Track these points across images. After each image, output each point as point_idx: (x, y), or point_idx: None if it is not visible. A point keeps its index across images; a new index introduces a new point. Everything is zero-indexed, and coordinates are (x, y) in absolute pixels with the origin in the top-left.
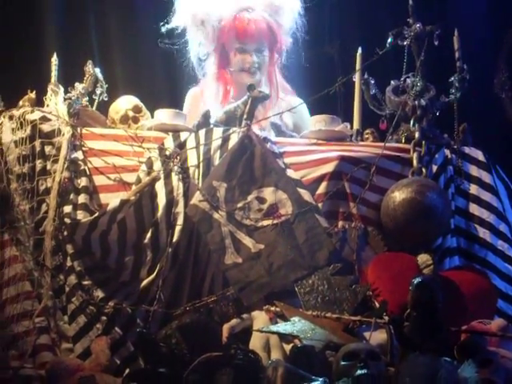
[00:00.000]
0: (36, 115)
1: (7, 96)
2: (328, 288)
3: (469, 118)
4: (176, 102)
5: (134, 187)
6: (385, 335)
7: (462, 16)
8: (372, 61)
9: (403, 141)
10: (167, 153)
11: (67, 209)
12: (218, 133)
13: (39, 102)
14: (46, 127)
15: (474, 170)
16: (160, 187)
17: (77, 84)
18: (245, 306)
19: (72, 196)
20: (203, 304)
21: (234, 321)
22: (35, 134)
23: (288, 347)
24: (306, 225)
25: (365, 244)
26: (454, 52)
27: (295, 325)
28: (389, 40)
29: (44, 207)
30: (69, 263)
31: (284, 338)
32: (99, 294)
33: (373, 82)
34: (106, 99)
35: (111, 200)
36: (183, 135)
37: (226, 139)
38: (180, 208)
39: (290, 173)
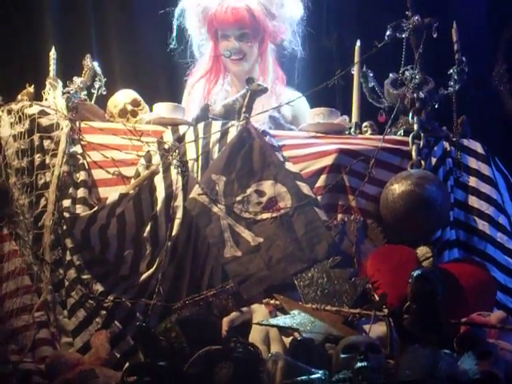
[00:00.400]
0: (35, 109)
1: (6, 90)
2: (327, 281)
3: (467, 111)
4: (175, 96)
5: (132, 181)
6: (384, 328)
7: (460, 8)
8: (371, 53)
9: (402, 133)
10: (166, 146)
11: (66, 203)
12: (216, 126)
13: (38, 96)
14: (44, 121)
15: (472, 163)
16: (159, 181)
17: (75, 78)
18: (244, 299)
19: (71, 190)
20: (202, 297)
21: (233, 314)
22: (34, 128)
23: (288, 340)
24: (305, 218)
25: (364, 237)
26: (452, 44)
27: (295, 318)
28: (387, 32)
29: (43, 201)
30: (68, 257)
31: (284, 331)
32: (99, 288)
33: (371, 74)
34: (104, 93)
35: (110, 194)
36: (182, 129)
37: (224, 133)
38: (179, 201)
39: (289, 166)
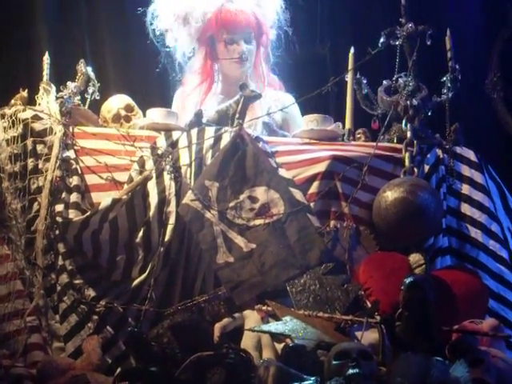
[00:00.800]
0: (28, 114)
1: None
2: (320, 287)
3: (461, 118)
4: (168, 101)
5: (125, 186)
6: (376, 335)
7: (454, 16)
8: (364, 60)
9: (395, 140)
10: (159, 152)
11: (59, 208)
12: (210, 132)
13: (31, 101)
14: (37, 126)
15: (465, 170)
16: (152, 186)
17: (69, 83)
18: (236, 305)
19: (64, 195)
20: (195, 303)
21: (225, 320)
22: (27, 133)
23: (280, 346)
24: (298, 224)
25: (357, 243)
26: (445, 52)
27: (287, 324)
28: (381, 40)
29: (36, 206)
30: (60, 262)
31: (276, 337)
32: (91, 293)
33: (365, 81)
34: (98, 98)
35: (103, 199)
36: (175, 134)
37: (218, 138)
38: (172, 207)
39: (282, 172)
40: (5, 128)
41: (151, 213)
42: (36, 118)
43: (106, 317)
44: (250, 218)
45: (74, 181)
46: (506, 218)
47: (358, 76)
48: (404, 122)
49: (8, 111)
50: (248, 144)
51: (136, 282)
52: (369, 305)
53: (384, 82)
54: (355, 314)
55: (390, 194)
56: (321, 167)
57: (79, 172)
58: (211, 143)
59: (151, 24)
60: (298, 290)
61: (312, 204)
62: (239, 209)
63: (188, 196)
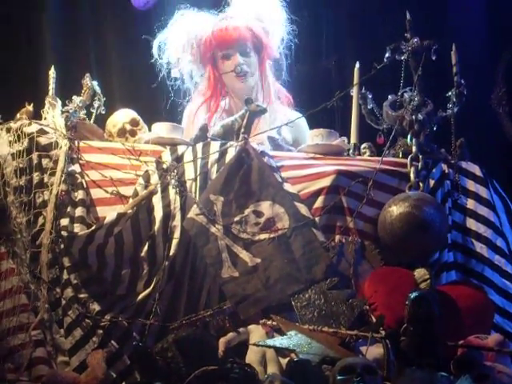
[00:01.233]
0: (33, 128)
1: (5, 109)
2: (325, 302)
3: (466, 133)
4: (173, 116)
5: (131, 200)
6: (381, 350)
7: (459, 31)
8: (369, 75)
9: (400, 155)
10: (164, 166)
11: (64, 222)
12: (215, 146)
13: (37, 115)
14: (43, 140)
15: (471, 185)
16: (157, 201)
17: (74, 97)
18: (241, 319)
19: (69, 209)
20: (199, 318)
21: (230, 334)
22: (32, 147)
23: (284, 361)
24: (303, 239)
25: (362, 258)
26: (451, 67)
27: (292, 339)
28: (386, 54)
29: (41, 220)
30: (65, 276)
31: (280, 352)
32: (95, 307)
33: (370, 96)
34: (103, 112)
35: (108, 213)
36: (180, 149)
37: (223, 153)
38: (177, 221)
39: (287, 187)
40: (10, 142)
41: (156, 227)
42: (41, 132)
43: (110, 331)
44: (254, 233)
45: (80, 195)
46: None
47: (363, 91)
48: (409, 136)
49: (14, 125)
50: (253, 158)
51: (141, 296)
52: (374, 320)
53: (389, 96)
54: (360, 329)
55: (396, 209)
56: (326, 182)
57: (84, 186)
58: (216, 157)
59: (157, 54)
60: (302, 305)
61: (317, 218)
62: (244, 223)
63: (193, 210)
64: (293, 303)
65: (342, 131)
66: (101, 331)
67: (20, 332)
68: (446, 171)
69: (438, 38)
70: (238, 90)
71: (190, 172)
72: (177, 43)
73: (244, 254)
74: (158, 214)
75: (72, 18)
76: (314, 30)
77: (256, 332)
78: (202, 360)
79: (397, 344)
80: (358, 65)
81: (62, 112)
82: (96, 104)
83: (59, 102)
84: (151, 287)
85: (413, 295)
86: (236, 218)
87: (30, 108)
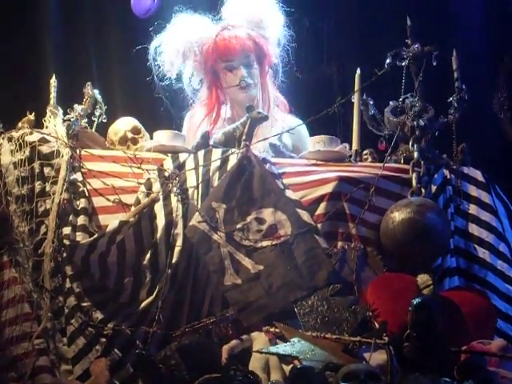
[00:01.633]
0: (35, 137)
1: (6, 118)
2: (327, 309)
3: (467, 139)
4: (175, 124)
5: (133, 208)
6: (385, 356)
7: (460, 36)
8: (371, 81)
9: (402, 161)
10: (166, 174)
11: (66, 230)
12: (216, 154)
13: (38, 124)
14: (45, 149)
15: (473, 190)
16: (159, 208)
17: (76, 106)
18: (244, 326)
19: (71, 217)
20: (202, 325)
21: (233, 342)
22: (34, 156)
23: (287, 368)
24: (306, 245)
25: (364, 264)
26: (452, 72)
27: (295, 346)
28: (387, 61)
29: (43, 229)
30: (68, 285)
31: (283, 358)
32: (98, 315)
33: (371, 102)
34: (104, 121)
35: (110, 221)
36: (182, 156)
37: (224, 160)
38: (179, 229)
39: (289, 193)
40: (12, 151)
41: (158, 235)
42: (43, 140)
43: (113, 339)
44: (257, 240)
45: (82, 203)
46: None
47: (364, 97)
48: (411, 142)
49: (15, 134)
50: (255, 166)
51: (144, 304)
52: (377, 326)
53: (390, 102)
54: (363, 335)
55: (398, 215)
56: (328, 188)
57: (86, 194)
58: (218, 165)
59: (154, 61)
60: (305, 312)
61: (319, 225)
62: (246, 230)
63: (195, 218)
64: (296, 310)
65: (343, 137)
66: (104, 339)
67: (23, 341)
68: (448, 177)
69: (438, 43)
70: (240, 100)
71: (191, 179)
72: (176, 48)
73: (246, 261)
74: (161, 221)
75: (73, 27)
76: (315, 36)
77: (259, 339)
78: (205, 367)
79: (400, 350)
80: (359, 71)
81: (64, 121)
82: (97, 112)
83: (60, 111)
84: (154, 295)
85: (416, 301)
86: (238, 225)
87: (32, 117)
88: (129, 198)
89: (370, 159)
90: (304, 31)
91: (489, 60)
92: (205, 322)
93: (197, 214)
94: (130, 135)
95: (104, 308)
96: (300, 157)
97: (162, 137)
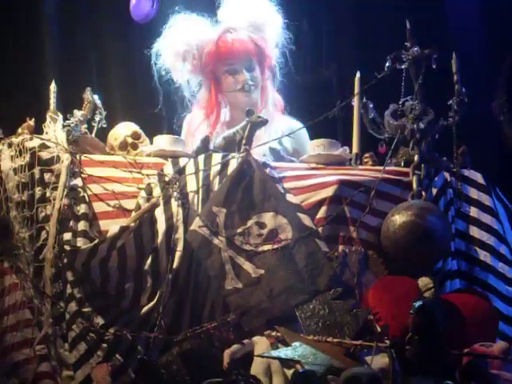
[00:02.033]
0: (35, 142)
1: (6, 123)
2: (329, 312)
3: (468, 141)
4: (175, 129)
5: (133, 214)
6: (386, 359)
7: (460, 38)
8: (370, 84)
9: (402, 164)
10: (166, 179)
11: (67, 236)
12: (217, 158)
13: (38, 130)
14: (45, 154)
15: (473, 193)
16: (159, 213)
17: (75, 111)
18: (245, 331)
19: (71, 223)
20: (204, 330)
21: (234, 346)
22: (34, 162)
23: (289, 372)
24: (306, 249)
25: (365, 268)
26: (452, 75)
27: (296, 350)
28: (387, 64)
29: (43, 234)
30: (69, 290)
31: (285, 363)
32: (99, 321)
33: (371, 105)
34: (104, 126)
35: (111, 227)
36: (182, 161)
37: (225, 165)
38: (180, 234)
39: (290, 197)
40: (12, 157)
41: (159, 240)
42: (43, 146)
43: (115, 345)
44: (258, 244)
45: (82, 209)
46: None
47: (364, 100)
48: (411, 145)
49: (15, 140)
50: (255, 170)
51: (145, 309)
52: (378, 329)
53: (390, 105)
54: (365, 339)
55: (398, 218)
56: (328, 192)
57: (87, 200)
58: (218, 169)
59: (155, 64)
60: (307, 316)
61: (320, 229)
62: (247, 235)
63: (196, 222)
64: (297, 314)
65: (343, 141)
66: (105, 345)
67: (24, 347)
68: (449, 179)
69: (438, 46)
70: (241, 103)
71: (192, 184)
72: (175, 50)
73: (247, 266)
74: (161, 226)
75: (72, 33)
76: (314, 39)
77: (260, 343)
78: (206, 372)
79: (402, 353)
80: (358, 74)
81: (64, 126)
82: (97, 118)
83: (60, 117)
84: (155, 300)
85: (417, 304)
86: (239, 230)
87: (32, 123)
88: (129, 203)
89: (370, 162)
90: (303, 34)
91: (489, 62)
92: (206, 327)
93: (197, 218)
94: (130, 140)
95: (105, 313)
96: (300, 160)
97: (162, 142)
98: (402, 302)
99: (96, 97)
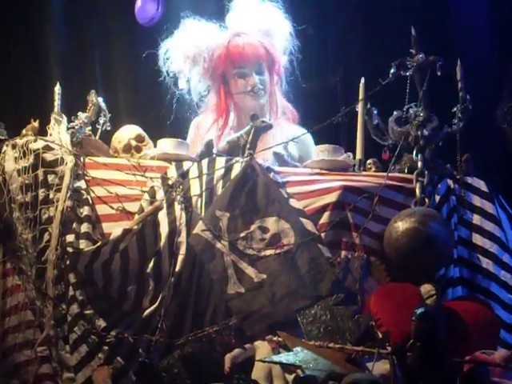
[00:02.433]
0: (39, 144)
1: (10, 125)
2: (331, 318)
3: (471, 149)
4: (179, 132)
5: (136, 216)
6: (388, 366)
7: (464, 46)
8: (375, 91)
9: (406, 171)
10: (170, 182)
11: (70, 238)
12: (220, 162)
13: (42, 131)
14: (48, 156)
15: (476, 200)
16: (163, 216)
17: (80, 113)
18: (247, 335)
19: (74, 225)
20: (205, 334)
21: (236, 351)
22: (38, 163)
23: (290, 377)
24: (309, 254)
25: (367, 274)
26: (456, 82)
27: (298, 355)
28: (391, 70)
29: (46, 236)
30: (71, 292)
31: (286, 368)
32: (101, 323)
33: (375, 112)
34: (108, 128)
35: (114, 229)
36: (186, 164)
37: (228, 169)
38: (182, 237)
39: (293, 202)
40: (16, 158)
41: (162, 243)
42: (47, 148)
43: (116, 347)
44: (260, 249)
45: (85, 211)
46: None
47: (368, 106)
48: (415, 152)
49: (19, 141)
50: (259, 174)
51: (146, 312)
52: (380, 335)
53: (394, 112)
54: (366, 345)
55: (401, 225)
56: (332, 197)
57: (90, 202)
58: (222, 173)
59: (164, 65)
60: (308, 321)
61: (323, 234)
62: (250, 239)
63: (199, 226)
64: (299, 319)
65: (347, 147)
66: (106, 347)
67: (26, 348)
68: (452, 187)
69: (443, 53)
70: (249, 107)
71: (195, 188)
72: (185, 54)
73: (250, 270)
74: (164, 230)
75: (77, 34)
76: (319, 45)
77: (262, 348)
78: (207, 376)
79: (403, 360)
80: (363, 80)
81: (68, 128)
82: (101, 120)
83: (65, 119)
84: (157, 303)
85: (419, 311)
86: (242, 234)
87: (36, 124)
88: (132, 206)
89: (373, 169)
90: (309, 40)
91: (493, 70)
92: (208, 331)
93: (200, 222)
94: (133, 143)
95: (107, 316)
96: (304, 166)
97: (166, 145)
98: (404, 308)
99: (100, 99)
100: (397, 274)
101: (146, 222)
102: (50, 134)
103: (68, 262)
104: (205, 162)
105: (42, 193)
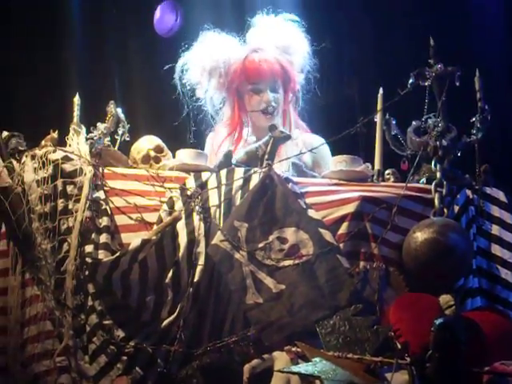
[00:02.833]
0: (58, 155)
1: (30, 136)
2: (349, 328)
3: (490, 159)
4: (197, 143)
5: (155, 227)
6: (406, 376)
7: (483, 56)
8: (393, 101)
9: (425, 181)
10: (189, 193)
11: (88, 248)
12: (239, 173)
13: (61, 142)
14: (67, 167)
15: (495, 211)
16: (181, 227)
17: (99, 124)
18: (266, 346)
19: (93, 235)
20: (224, 344)
21: (254, 361)
22: (57, 174)
23: None
24: (327, 265)
25: (386, 284)
26: (475, 92)
27: (316, 365)
28: (410, 80)
29: (65, 246)
30: (90, 303)
31: (305, 378)
32: (120, 333)
33: (394, 122)
34: (127, 139)
35: (132, 240)
36: (205, 175)
37: (247, 179)
38: (201, 248)
39: (312, 213)
40: (35, 169)
41: (180, 253)
42: (66, 158)
43: (135, 357)
44: (279, 259)
45: (104, 221)
46: None
47: (387, 117)
48: (433, 162)
49: (38, 152)
50: (277, 185)
51: (165, 322)
52: (399, 346)
53: (413, 122)
54: (385, 356)
55: (420, 235)
56: (350, 208)
57: (109, 213)
58: (240, 184)
59: (180, 78)
60: (327, 331)
61: (341, 245)
62: (268, 249)
63: (217, 237)
64: (317, 330)
65: (365, 157)
66: (125, 358)
67: (45, 358)
68: (471, 197)
69: (462, 63)
70: (262, 125)
71: (214, 198)
72: (202, 66)
73: (268, 281)
74: (183, 240)
75: (97, 46)
76: (338, 56)
77: (280, 358)
78: None
79: (422, 370)
80: (381, 91)
81: (87, 139)
82: (120, 131)
83: (84, 129)
84: (175, 314)
85: (438, 321)
86: (260, 245)
87: (55, 135)
88: (151, 217)
89: (392, 179)
90: (326, 51)
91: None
92: (226, 341)
93: (219, 232)
94: (152, 154)
95: (126, 326)
96: (322, 176)
97: (185, 155)
98: (423, 319)
99: (119, 110)
100: (415, 284)
101: (165, 233)
102: (69, 145)
103: (87, 273)
104: (223, 172)
105: (60, 203)
